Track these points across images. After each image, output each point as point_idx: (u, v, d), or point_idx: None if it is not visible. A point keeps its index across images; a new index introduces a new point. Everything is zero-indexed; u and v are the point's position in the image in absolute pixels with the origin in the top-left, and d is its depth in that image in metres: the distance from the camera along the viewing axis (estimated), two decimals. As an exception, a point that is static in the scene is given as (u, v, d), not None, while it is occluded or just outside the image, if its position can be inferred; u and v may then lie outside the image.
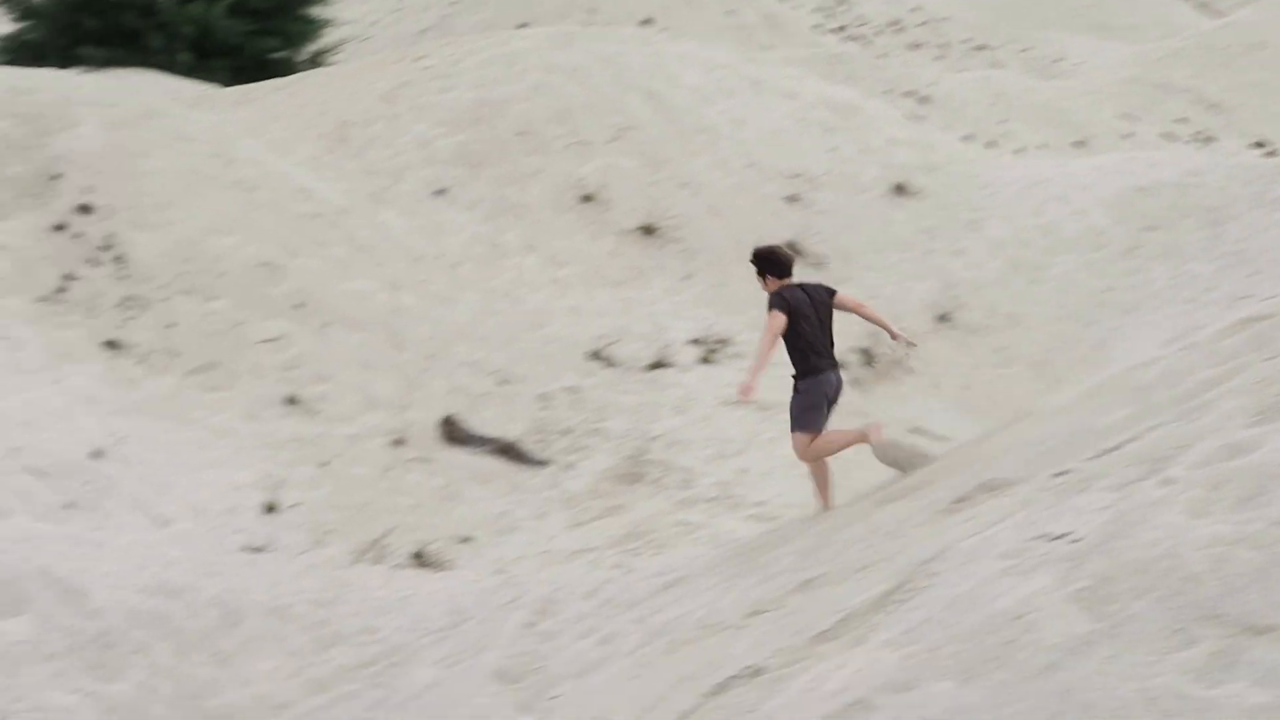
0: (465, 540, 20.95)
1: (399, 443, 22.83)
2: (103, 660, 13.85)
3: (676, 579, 13.90)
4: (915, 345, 14.11)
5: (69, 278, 23.62)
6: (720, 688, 10.36)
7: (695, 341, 26.30)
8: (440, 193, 28.56)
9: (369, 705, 13.64)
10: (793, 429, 13.18)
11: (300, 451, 22.05)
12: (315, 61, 40.46)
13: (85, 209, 24.42)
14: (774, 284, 13.17)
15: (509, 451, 23.09)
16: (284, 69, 38.77)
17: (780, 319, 12.84)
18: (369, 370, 23.87)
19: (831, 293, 13.28)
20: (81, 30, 39.63)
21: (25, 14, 41.87)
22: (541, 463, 22.91)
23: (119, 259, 24.01)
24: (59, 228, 24.17)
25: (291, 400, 22.99)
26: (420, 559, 20.11)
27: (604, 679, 11.88)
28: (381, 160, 29.10)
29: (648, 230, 28.63)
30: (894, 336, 13.59)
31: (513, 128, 29.75)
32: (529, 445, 23.18)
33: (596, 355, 25.46)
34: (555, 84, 30.56)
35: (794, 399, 13.16)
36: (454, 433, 23.23)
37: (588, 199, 28.82)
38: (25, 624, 13.84)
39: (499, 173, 29.04)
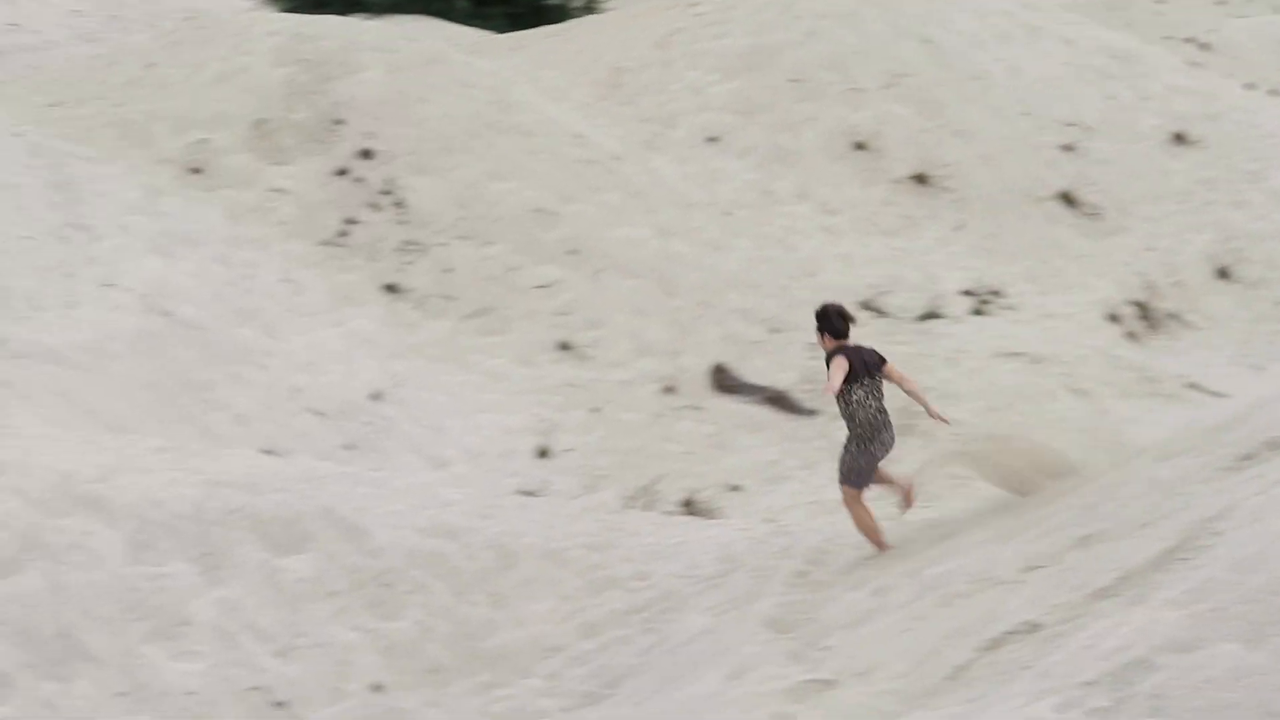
0: (735, 489, 21.05)
1: (670, 390, 22.98)
2: (382, 598, 14.13)
3: (949, 532, 13.83)
4: (949, 423, 14.33)
5: (350, 222, 24.08)
6: (995, 642, 10.31)
7: (967, 292, 26.09)
8: (713, 140, 28.58)
9: (640, 650, 13.78)
10: (840, 480, 13.79)
11: (572, 397, 22.30)
12: (589, 8, 40.65)
13: (367, 154, 24.86)
14: (831, 343, 13.70)
15: (779, 401, 23.11)
16: (558, 15, 39.00)
17: (845, 363, 13.42)
18: (641, 317, 24.03)
19: (882, 360, 13.78)
20: (362, -23, 40.22)
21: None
22: (811, 412, 22.90)
23: (399, 204, 24.42)
24: (341, 172, 24.64)
25: (564, 346, 23.25)
26: (690, 506, 20.25)
27: (876, 630, 11.87)
28: (654, 107, 29.20)
29: (920, 179, 28.40)
30: (930, 414, 13.96)
31: (786, 74, 29.65)
32: (799, 394, 23.18)
33: (868, 305, 25.36)
34: (829, 30, 30.39)
35: (844, 454, 13.75)
36: (724, 381, 23.31)
37: (860, 146, 28.66)
38: (309, 561, 14.17)
39: (772, 120, 28.97)
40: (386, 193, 24.50)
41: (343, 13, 32.94)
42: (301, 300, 22.53)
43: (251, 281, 22.48)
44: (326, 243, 23.76)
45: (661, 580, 14.62)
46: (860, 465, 13.66)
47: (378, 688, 13.45)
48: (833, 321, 13.72)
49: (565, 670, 13.78)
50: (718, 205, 26.96)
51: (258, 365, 20.86)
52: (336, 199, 24.30)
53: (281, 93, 25.32)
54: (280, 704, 13.16)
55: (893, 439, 13.77)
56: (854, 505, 13.86)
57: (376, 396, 21.16)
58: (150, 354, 19.99)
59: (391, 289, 23.31)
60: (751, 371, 23.52)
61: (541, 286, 23.91)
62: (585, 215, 25.11)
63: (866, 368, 13.60)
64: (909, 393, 13.89)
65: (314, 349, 21.61)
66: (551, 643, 14.06)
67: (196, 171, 24.16)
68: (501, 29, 37.76)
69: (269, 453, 18.52)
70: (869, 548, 14.01)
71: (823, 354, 13.78)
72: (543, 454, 21.25)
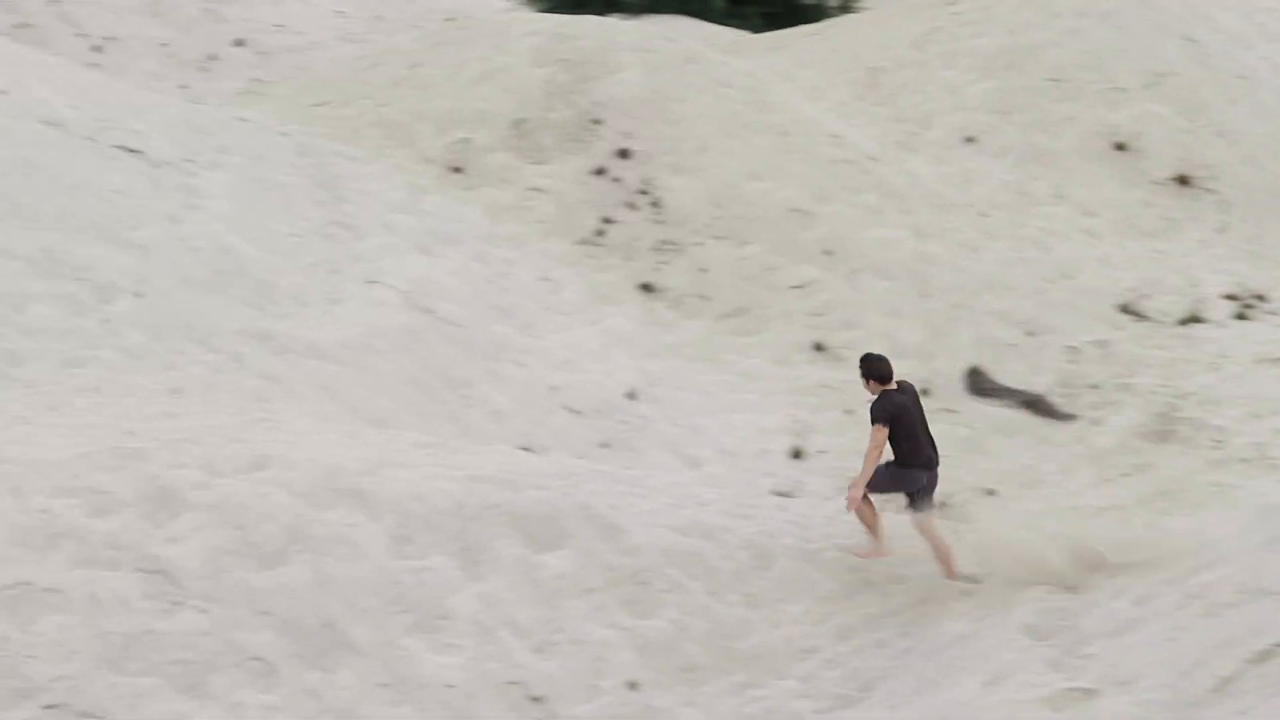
0: (989, 492, 20.86)
1: (924, 392, 22.74)
2: (638, 596, 14.22)
3: (1212, 539, 13.61)
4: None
5: (607, 221, 24.26)
6: (1264, 655, 10.15)
7: (1230, 296, 25.59)
8: (970, 140, 28.37)
9: (896, 654, 13.73)
10: (869, 487, 14.47)
11: (826, 398, 22.24)
12: (846, 7, 40.55)
13: (624, 153, 25.03)
14: (876, 387, 14.52)
15: (1035, 404, 22.87)
16: (815, 14, 38.96)
17: (884, 432, 14.27)
18: (895, 318, 23.92)
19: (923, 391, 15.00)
20: (620, -23, 40.48)
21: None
22: (1068, 417, 22.64)
23: (655, 203, 24.55)
24: (599, 172, 24.84)
25: (819, 346, 23.21)
26: (943, 509, 20.09)
27: (1138, 639, 11.73)
28: (911, 107, 29.05)
29: (1182, 180, 27.93)
30: None
31: (1044, 74, 29.34)
32: (1055, 398, 22.93)
33: (1126, 308, 25.01)
34: (1089, 29, 30.02)
35: (883, 469, 14.50)
36: (980, 384, 23.12)
37: (1120, 147, 28.27)
38: (566, 558, 14.30)
39: (1029, 119, 28.69)
40: (643, 192, 24.65)
41: (600, 13, 33.20)
42: (559, 299, 22.76)
43: (510, 280, 22.74)
44: (584, 242, 23.97)
45: (917, 584, 14.56)
46: (887, 480, 14.46)
47: (633, 685, 13.54)
48: (879, 371, 14.55)
49: (820, 672, 13.77)
50: (974, 206, 26.75)
51: (516, 363, 21.10)
52: (594, 198, 24.50)
53: (541, 92, 25.59)
54: (537, 699, 13.30)
55: (935, 478, 14.66)
56: (864, 510, 14.59)
57: (632, 395, 21.29)
58: (411, 350, 20.29)
59: (647, 288, 23.45)
60: (1007, 374, 23.30)
61: (797, 287, 23.89)
62: (841, 215, 25.05)
63: (915, 402, 14.57)
64: None
65: (571, 347, 21.81)
66: (806, 644, 14.06)
67: (457, 171, 24.50)
68: (757, 28, 37.82)
69: (526, 450, 18.72)
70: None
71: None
72: (797, 455, 21.23)
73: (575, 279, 23.22)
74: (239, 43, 34.88)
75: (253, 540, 13.69)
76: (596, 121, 25.35)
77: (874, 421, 14.33)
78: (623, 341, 22.29)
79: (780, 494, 18.94)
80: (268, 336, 19.26)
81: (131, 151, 21.68)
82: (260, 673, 12.89)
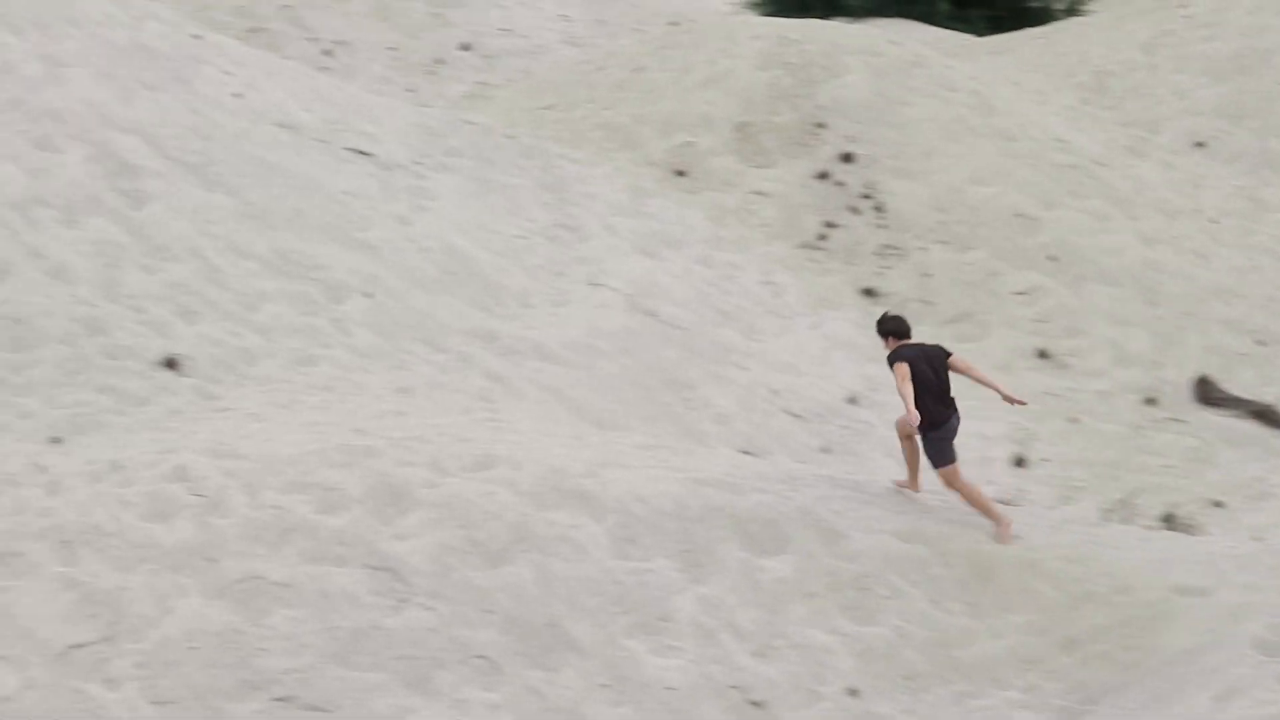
0: (1217, 504, 20.57)
1: (1150, 401, 22.56)
2: (859, 602, 14.19)
3: None
4: (1025, 404, 16.44)
5: (830, 225, 24.21)
6: None
7: None
8: (1199, 145, 27.98)
9: (1121, 667, 13.57)
10: (935, 467, 15.05)
11: (1050, 406, 22.04)
12: (1072, 10, 40.08)
13: (848, 157, 24.96)
14: (893, 344, 15.11)
15: (1265, 415, 22.52)
16: (1041, 17, 38.59)
17: (905, 368, 14.79)
18: (1121, 326, 23.64)
19: (947, 354, 15.21)
20: (844, -20, 40.32)
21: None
22: (1301, 428, 22.28)
23: (878, 208, 24.46)
24: (822, 176, 24.79)
25: (1043, 354, 23.01)
26: (1170, 521, 19.85)
27: (1374, 659, 11.49)
28: (1139, 111, 28.71)
29: None
30: (1005, 398, 15.39)
31: (1278, 78, 28.86)
32: (1289, 410, 22.61)
33: (1361, 317, 24.55)
34: (1325, 33, 29.51)
35: (925, 445, 15.06)
36: (1208, 393, 22.79)
37: (1355, 153, 27.76)
38: (788, 562, 14.31)
39: (1262, 124, 28.25)
40: (866, 196, 24.57)
41: (824, 16, 33.11)
42: (780, 302, 22.76)
43: (732, 283, 22.78)
44: (806, 245, 23.95)
45: (1143, 596, 14.36)
46: (941, 448, 14.94)
47: (853, 692, 13.51)
48: (895, 330, 15.16)
49: (1043, 683, 13.65)
50: (1203, 212, 26.37)
51: (737, 366, 21.15)
52: (817, 202, 24.46)
53: (765, 96, 25.59)
54: (757, 704, 13.32)
55: (958, 421, 15.06)
56: (957, 482, 15.05)
57: (853, 400, 21.25)
58: (634, 352, 20.42)
59: (869, 293, 23.37)
60: (1236, 384, 22.95)
61: (1021, 293, 23.70)
62: (1066, 221, 24.79)
63: (928, 358, 14.92)
64: (978, 379, 15.26)
65: (792, 351, 21.81)
66: (1028, 655, 13.94)
67: (681, 174, 24.57)
68: (981, 31, 37.52)
69: (747, 453, 18.76)
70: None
71: None
72: (1019, 463, 21.06)
73: (797, 283, 23.20)
74: (465, 46, 35.25)
75: (478, 539, 13.87)
76: (820, 125, 25.31)
77: (894, 365, 14.91)
78: (844, 346, 22.25)
79: (1002, 502, 18.79)
80: (494, 337, 19.48)
81: (362, 153, 22.03)
82: (484, 670, 13.05)
